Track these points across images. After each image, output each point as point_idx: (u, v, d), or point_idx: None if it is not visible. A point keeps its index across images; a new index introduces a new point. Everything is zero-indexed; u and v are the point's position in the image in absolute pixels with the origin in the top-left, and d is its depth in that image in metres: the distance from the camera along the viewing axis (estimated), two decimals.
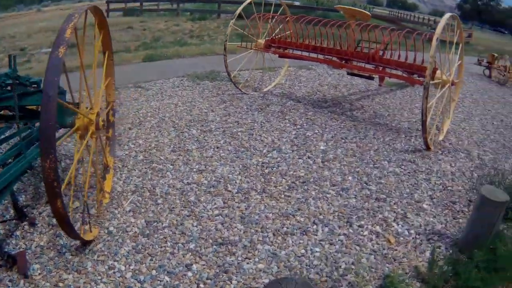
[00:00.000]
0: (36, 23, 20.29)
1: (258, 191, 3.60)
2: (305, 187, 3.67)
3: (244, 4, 6.19)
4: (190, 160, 4.16)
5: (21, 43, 13.70)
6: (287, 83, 7.16)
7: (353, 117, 5.53)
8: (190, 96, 6.24)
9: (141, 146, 4.47)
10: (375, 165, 4.20)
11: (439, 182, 3.96)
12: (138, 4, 21.44)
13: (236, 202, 3.43)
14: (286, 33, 6.01)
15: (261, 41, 6.10)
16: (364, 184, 3.81)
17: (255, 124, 5.08)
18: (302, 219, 3.21)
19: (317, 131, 4.92)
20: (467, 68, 10.76)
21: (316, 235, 3.03)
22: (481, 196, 2.78)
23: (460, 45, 4.99)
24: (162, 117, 5.32)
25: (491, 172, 4.09)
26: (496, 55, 9.60)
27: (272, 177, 3.83)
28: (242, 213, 3.28)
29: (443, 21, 4.34)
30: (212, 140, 4.62)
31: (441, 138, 5.00)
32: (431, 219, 3.35)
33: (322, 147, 4.49)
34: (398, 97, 6.86)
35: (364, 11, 6.19)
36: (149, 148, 4.42)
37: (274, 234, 3.02)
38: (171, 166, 4.04)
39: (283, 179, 3.79)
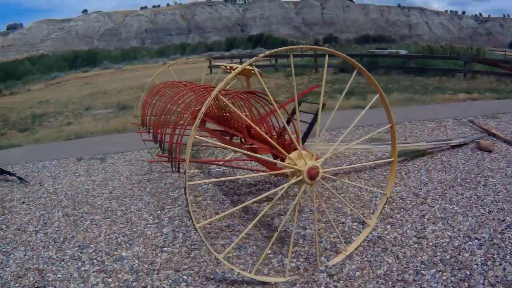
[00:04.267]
0: (142, 78, 22.75)
1: None
2: None
3: (160, 70, 5.92)
4: None
5: (99, 101, 15.54)
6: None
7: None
8: (119, 173, 6.17)
9: None
10: None
11: None
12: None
13: None
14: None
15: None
16: None
17: (116, 212, 4.67)
18: None
19: (150, 231, 4.15)
20: None
21: None
22: None
23: (379, 95, 3.37)
24: (55, 196, 5.39)
25: None
26: None
27: None
28: None
29: (236, 71, 2.87)
30: (47, 228, 4.43)
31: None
32: None
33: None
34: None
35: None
36: None
37: None
38: None
39: None
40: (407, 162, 6.04)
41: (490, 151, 6.37)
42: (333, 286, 3.16)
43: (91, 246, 3.94)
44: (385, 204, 3.82)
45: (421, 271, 3.28)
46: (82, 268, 3.55)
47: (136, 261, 3.60)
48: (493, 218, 4.16)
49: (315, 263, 3.44)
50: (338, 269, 3.38)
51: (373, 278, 3.22)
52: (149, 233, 4.14)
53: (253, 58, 2.81)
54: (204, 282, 3.25)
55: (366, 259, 3.51)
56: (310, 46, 3.19)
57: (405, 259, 3.48)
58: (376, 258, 3.51)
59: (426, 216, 4.28)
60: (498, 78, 16.39)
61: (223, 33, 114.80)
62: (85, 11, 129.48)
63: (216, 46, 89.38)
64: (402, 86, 14.90)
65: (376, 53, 27.38)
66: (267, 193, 3.15)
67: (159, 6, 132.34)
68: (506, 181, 5.14)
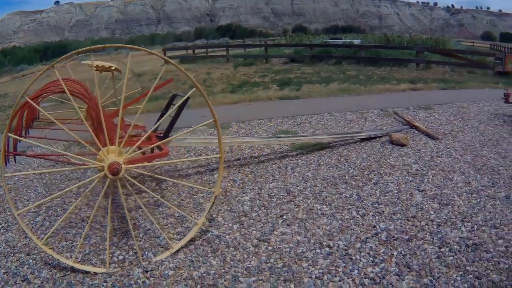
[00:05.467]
0: None
1: None
2: None
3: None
4: None
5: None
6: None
7: None
8: (30, 165, 6.62)
9: None
10: None
11: None
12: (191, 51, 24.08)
13: None
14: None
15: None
16: None
17: None
18: None
19: (27, 218, 4.63)
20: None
21: None
22: None
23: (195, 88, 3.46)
24: None
25: None
26: None
27: None
28: None
29: None
30: None
31: None
32: None
33: None
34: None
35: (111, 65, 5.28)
36: None
37: None
38: None
39: None
40: (301, 156, 5.83)
41: (403, 145, 5.87)
42: (141, 282, 3.14)
43: None
44: (213, 203, 3.68)
45: (240, 278, 3.09)
46: None
47: (4, 244, 4.08)
48: (363, 223, 3.73)
49: (143, 257, 3.50)
50: (157, 266, 3.35)
51: (184, 279, 3.14)
52: (25, 220, 4.59)
53: (60, 58, 3.26)
54: (42, 266, 3.57)
55: (189, 258, 3.43)
56: (116, 44, 3.64)
57: (231, 262, 3.30)
58: (200, 259, 3.40)
59: (285, 217, 3.99)
60: (453, 68, 16.23)
61: (192, 24, 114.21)
62: (57, 2, 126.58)
63: (184, 37, 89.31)
64: (346, 76, 14.68)
65: (330, 42, 28.06)
66: (76, 184, 3.67)
67: None
68: (404, 180, 4.69)
